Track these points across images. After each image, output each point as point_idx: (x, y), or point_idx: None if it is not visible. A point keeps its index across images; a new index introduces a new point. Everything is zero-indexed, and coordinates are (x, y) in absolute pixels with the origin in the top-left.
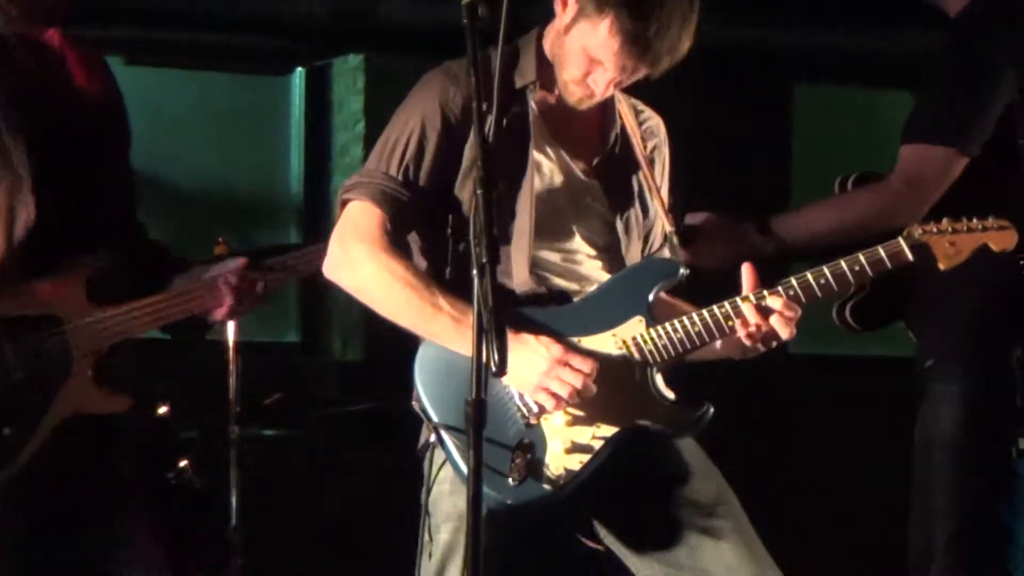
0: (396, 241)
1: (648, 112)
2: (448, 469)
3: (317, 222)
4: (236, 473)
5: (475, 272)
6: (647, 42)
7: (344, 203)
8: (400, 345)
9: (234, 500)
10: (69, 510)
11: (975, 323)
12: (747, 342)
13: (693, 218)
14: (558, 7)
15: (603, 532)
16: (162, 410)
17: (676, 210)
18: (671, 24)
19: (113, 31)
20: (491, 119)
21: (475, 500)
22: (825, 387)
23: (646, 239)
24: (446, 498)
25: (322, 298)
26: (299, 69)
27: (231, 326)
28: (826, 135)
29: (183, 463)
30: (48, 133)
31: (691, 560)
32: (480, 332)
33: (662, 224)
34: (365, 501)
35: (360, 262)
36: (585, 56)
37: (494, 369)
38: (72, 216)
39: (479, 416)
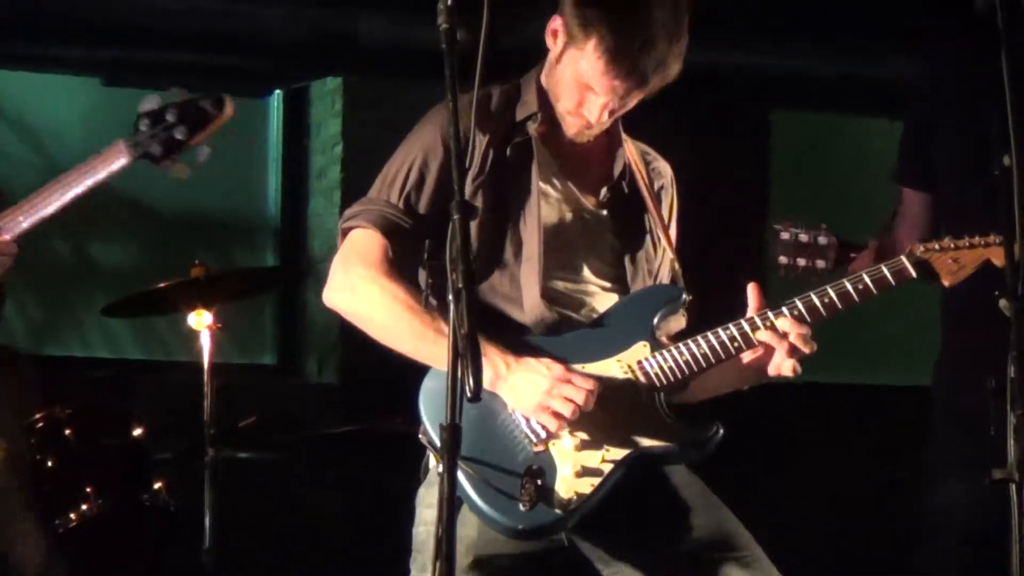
0: (398, 267)
1: (654, 155)
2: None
3: (294, 244)
4: (210, 494)
5: (451, 297)
6: (632, 59)
7: (345, 232)
8: (376, 367)
9: (208, 521)
10: None
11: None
12: (754, 365)
13: None
14: (549, 40)
15: (607, 570)
16: (137, 431)
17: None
18: (656, 40)
19: (91, 52)
20: (479, 148)
21: (448, 527)
22: (803, 414)
23: (656, 275)
24: (434, 539)
25: (298, 320)
26: (277, 91)
27: (206, 347)
28: (804, 161)
29: (158, 485)
30: None
31: None
32: (455, 356)
33: (670, 260)
34: (339, 523)
35: (362, 287)
36: (577, 84)
37: (469, 394)
38: None
39: (454, 441)
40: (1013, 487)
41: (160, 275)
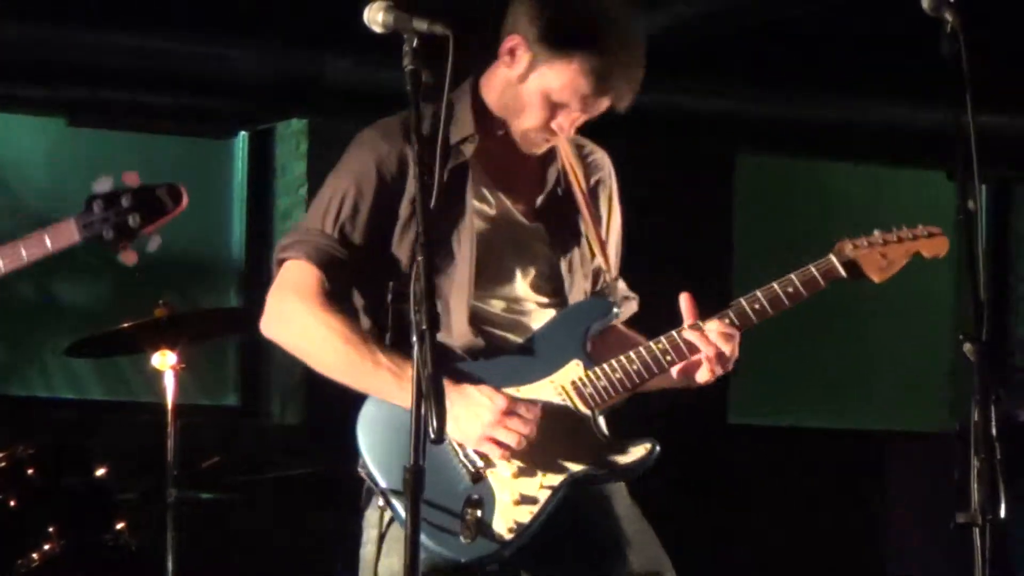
0: (334, 298)
1: (591, 147)
2: (375, 531)
3: (258, 285)
4: (173, 535)
5: (415, 338)
6: (614, 78)
7: (280, 262)
8: (339, 409)
9: (170, 563)
10: None
11: None
12: (685, 372)
13: None
14: (506, 58)
15: None
16: (100, 472)
17: (624, 243)
18: (633, 55)
19: (56, 92)
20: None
21: (412, 565)
22: (765, 457)
23: (595, 279)
24: (375, 558)
25: (262, 361)
26: (242, 133)
27: (170, 388)
28: (768, 205)
29: (120, 525)
30: None
31: None
32: (419, 398)
33: (602, 267)
34: (302, 565)
35: (297, 318)
36: (547, 101)
37: (432, 436)
38: None
39: (417, 483)
40: (976, 531)
41: (124, 315)
